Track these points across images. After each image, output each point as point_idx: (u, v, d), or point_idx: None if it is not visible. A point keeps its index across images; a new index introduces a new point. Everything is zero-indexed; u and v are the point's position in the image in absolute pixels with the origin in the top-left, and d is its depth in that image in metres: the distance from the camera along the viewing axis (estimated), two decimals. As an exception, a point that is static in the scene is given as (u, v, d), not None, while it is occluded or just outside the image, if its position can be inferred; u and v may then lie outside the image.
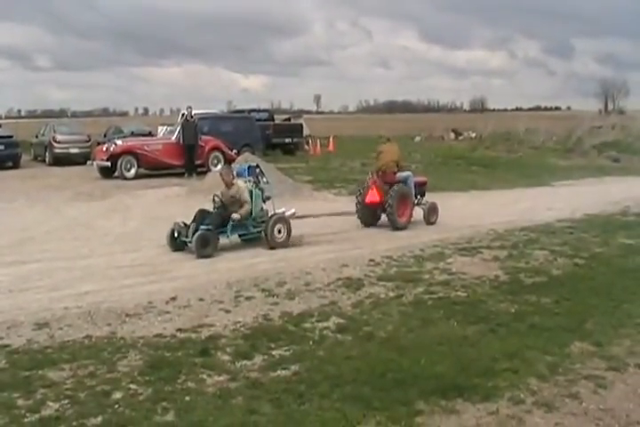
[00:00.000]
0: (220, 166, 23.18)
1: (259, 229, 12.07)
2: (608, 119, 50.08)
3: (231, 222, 11.57)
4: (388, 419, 5.21)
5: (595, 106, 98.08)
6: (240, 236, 12.15)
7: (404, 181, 14.13)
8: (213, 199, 11.96)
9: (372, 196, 13.71)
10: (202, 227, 11.14)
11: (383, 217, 13.97)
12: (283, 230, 11.99)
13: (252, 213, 12.00)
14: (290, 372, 6.18)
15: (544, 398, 5.68)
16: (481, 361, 6.39)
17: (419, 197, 14.79)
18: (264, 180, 12.72)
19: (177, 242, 11.41)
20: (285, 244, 11.95)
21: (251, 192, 12.06)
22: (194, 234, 11.07)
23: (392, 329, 7.44)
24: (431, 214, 14.61)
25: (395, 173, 14.09)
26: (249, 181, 12.38)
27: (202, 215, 11.48)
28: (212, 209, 11.81)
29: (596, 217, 15.41)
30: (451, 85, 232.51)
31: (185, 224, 11.40)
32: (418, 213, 14.43)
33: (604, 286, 9.20)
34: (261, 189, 12.42)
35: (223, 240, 11.58)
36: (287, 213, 12.63)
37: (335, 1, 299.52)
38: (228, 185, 11.98)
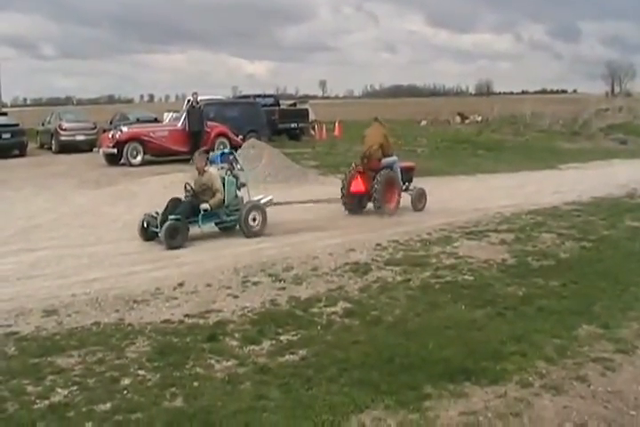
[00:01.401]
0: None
1: (233, 218, 11.79)
2: (615, 102, 49.87)
3: (202, 212, 11.31)
4: (396, 403, 5.22)
5: (601, 89, 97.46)
6: (216, 224, 11.84)
7: (390, 167, 13.81)
8: (185, 187, 11.63)
9: (357, 185, 13.43)
10: (171, 217, 10.84)
11: (370, 204, 13.72)
12: (258, 218, 11.72)
13: (224, 202, 11.67)
14: (298, 357, 6.20)
15: (552, 381, 5.68)
16: (489, 345, 6.39)
17: (407, 183, 14.50)
18: (238, 166, 12.43)
19: (148, 232, 11.14)
20: (261, 232, 11.70)
21: (223, 179, 11.73)
22: (163, 224, 10.79)
23: (399, 313, 7.44)
24: (419, 201, 14.33)
25: (379, 160, 13.69)
26: (222, 168, 12.11)
27: (173, 204, 11.20)
28: (184, 197, 11.53)
29: (602, 200, 15.38)
30: (456, 69, 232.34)
31: (157, 214, 11.11)
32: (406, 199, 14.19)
33: (612, 269, 9.17)
34: (236, 176, 12.10)
35: (194, 230, 11.29)
36: (263, 201, 12.36)
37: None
38: (201, 172, 11.67)
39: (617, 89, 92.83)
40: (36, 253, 10.46)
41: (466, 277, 8.91)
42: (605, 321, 7.10)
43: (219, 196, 11.47)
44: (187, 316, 7.38)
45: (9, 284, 8.79)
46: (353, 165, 14.18)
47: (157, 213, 11.11)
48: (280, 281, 8.70)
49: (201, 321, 7.23)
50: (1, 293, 8.31)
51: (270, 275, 8.96)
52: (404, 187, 14.29)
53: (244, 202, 12.03)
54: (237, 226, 11.73)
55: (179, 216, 10.89)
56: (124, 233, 11.94)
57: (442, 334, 6.72)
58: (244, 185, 12.26)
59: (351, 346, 6.40)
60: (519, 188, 18.20)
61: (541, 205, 14.31)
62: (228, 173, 12.01)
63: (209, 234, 11.59)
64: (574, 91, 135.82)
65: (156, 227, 10.93)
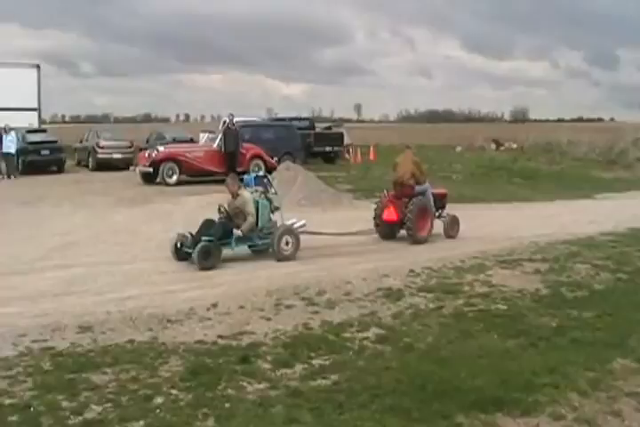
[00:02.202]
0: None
1: (266, 241, 11.77)
2: (653, 131, 49.43)
3: (235, 235, 11.36)
4: (427, 431, 5.21)
5: (639, 117, 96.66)
6: (249, 247, 11.87)
7: (422, 194, 13.79)
8: (219, 209, 11.71)
9: (389, 214, 13.44)
10: (204, 238, 10.91)
11: (402, 231, 13.70)
12: (290, 242, 11.69)
13: (258, 225, 11.70)
14: (330, 381, 6.21)
15: (585, 414, 5.64)
16: (521, 375, 6.35)
17: (439, 210, 14.41)
18: (272, 190, 12.43)
19: (180, 252, 11.18)
20: (293, 257, 11.67)
21: (257, 203, 11.76)
22: (196, 245, 10.85)
23: (432, 341, 7.43)
24: (451, 228, 14.24)
25: (412, 187, 13.65)
26: (256, 191, 12.15)
27: (206, 226, 11.30)
28: (217, 219, 11.59)
29: (639, 231, 15.22)
30: (492, 95, 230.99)
31: (191, 234, 11.18)
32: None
33: (648, 302, 9.09)
34: (269, 200, 12.10)
35: (227, 252, 11.32)
36: (296, 225, 12.30)
37: (377, 10, 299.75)
38: (234, 195, 11.72)
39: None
40: (72, 270, 10.58)
41: (499, 306, 8.88)
42: (641, 355, 7.04)
43: (250, 220, 11.50)
44: (220, 337, 7.42)
45: (45, 299, 8.89)
46: (385, 192, 14.18)
47: (190, 233, 11.20)
48: (313, 305, 8.72)
49: (234, 343, 7.27)
50: (37, 308, 8.41)
51: (303, 298, 8.98)
52: (436, 214, 14.24)
53: (278, 226, 12.02)
54: (270, 249, 11.75)
55: (212, 238, 10.94)
56: (159, 252, 12.02)
57: (474, 362, 6.70)
58: (277, 209, 12.24)
59: (383, 372, 6.40)
60: (554, 217, 18.09)
61: (576, 235, 14.17)
62: (262, 196, 12.05)
63: (243, 256, 11.64)
64: (611, 119, 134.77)
65: (189, 247, 10.98)
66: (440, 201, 14.45)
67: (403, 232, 13.74)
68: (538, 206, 20.75)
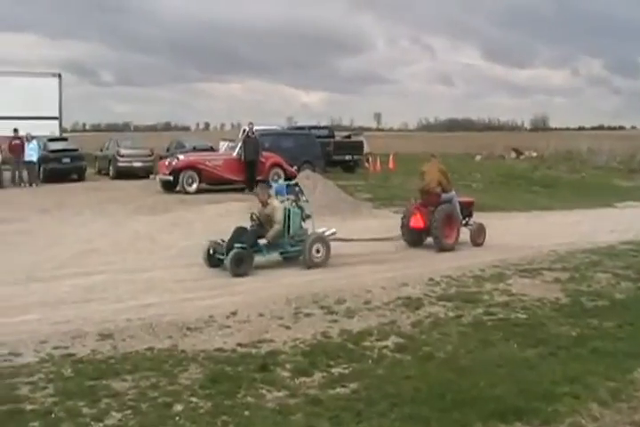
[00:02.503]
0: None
1: (297, 249, 11.94)
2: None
3: (261, 243, 11.53)
4: (446, 440, 5.20)
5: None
6: (280, 254, 12.06)
7: (449, 202, 13.93)
8: (251, 217, 11.93)
9: (416, 221, 13.59)
10: (236, 245, 11.10)
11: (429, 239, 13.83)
12: (321, 250, 11.86)
13: (290, 232, 11.90)
14: (349, 390, 6.22)
15: (606, 424, 5.62)
16: (541, 385, 6.33)
17: (466, 218, 14.58)
18: (303, 198, 12.58)
19: (213, 259, 11.39)
20: (323, 264, 11.81)
21: (288, 211, 11.94)
22: (229, 252, 11.05)
23: (451, 350, 7.42)
24: (478, 236, 14.36)
25: (438, 195, 13.82)
26: (287, 199, 12.33)
27: (238, 233, 11.48)
28: (249, 226, 11.78)
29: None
30: (512, 103, 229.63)
31: (223, 241, 11.39)
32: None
33: (669, 312, 9.02)
34: (301, 208, 12.31)
35: (259, 259, 11.52)
36: (327, 233, 12.47)
37: (397, 18, 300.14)
38: (264, 204, 11.93)
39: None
40: (92, 277, 10.65)
41: (519, 315, 8.85)
42: (662, 365, 6.99)
43: (276, 227, 11.64)
44: (239, 345, 7.45)
45: (66, 306, 8.97)
46: (412, 200, 14.42)
47: (222, 240, 11.36)
48: (332, 313, 8.74)
49: (253, 351, 7.29)
50: (58, 315, 8.48)
51: (322, 307, 9.00)
52: (463, 222, 14.37)
53: (309, 233, 12.20)
54: (301, 256, 11.91)
55: (244, 245, 11.15)
56: (178, 260, 12.09)
57: (494, 371, 6.69)
58: (309, 217, 12.45)
59: (402, 381, 6.40)
60: (574, 225, 18.01)
61: (597, 244, 14.10)
62: (294, 204, 12.24)
63: (262, 264, 11.68)
64: (632, 127, 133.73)
65: (222, 254, 11.17)
66: (467, 209, 14.63)
67: (430, 240, 13.81)
68: (558, 215, 20.64)
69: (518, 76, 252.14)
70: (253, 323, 8.29)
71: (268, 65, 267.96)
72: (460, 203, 14.26)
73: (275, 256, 11.94)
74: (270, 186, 12.90)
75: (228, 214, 18.16)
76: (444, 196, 13.85)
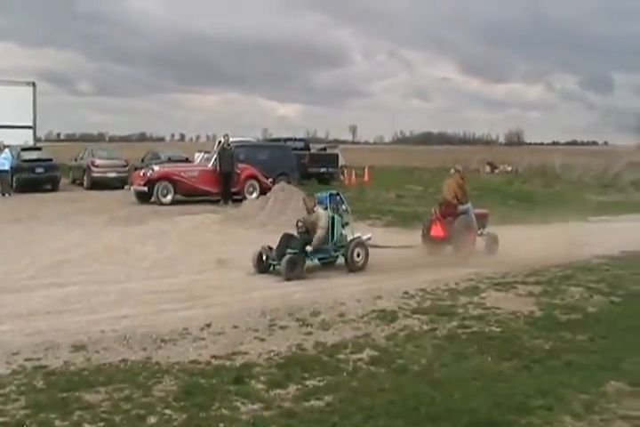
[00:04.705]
0: (255, 195, 23.45)
1: (338, 253, 12.69)
2: (646, 155, 49.74)
3: (309, 249, 12.10)
4: (421, 453, 5.20)
5: (632, 141, 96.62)
6: (319, 260, 12.67)
7: (466, 213, 14.76)
8: (297, 224, 12.60)
9: (437, 230, 14.49)
10: (289, 251, 11.74)
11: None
12: (361, 254, 12.66)
13: (333, 238, 12.63)
14: (323, 402, 6.19)
15: (579, 437, 5.63)
16: (515, 397, 6.34)
17: (481, 228, 15.33)
18: (343, 207, 13.40)
19: (264, 264, 12.01)
20: (363, 267, 12.64)
21: (333, 218, 12.67)
22: (280, 257, 11.64)
23: (426, 363, 7.42)
24: (492, 245, 15.13)
25: (456, 206, 14.69)
26: (329, 207, 12.94)
27: (287, 239, 12.14)
28: (296, 233, 12.41)
29: (633, 254, 15.28)
30: (487, 118, 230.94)
31: (270, 248, 12.01)
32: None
33: (641, 325, 9.11)
34: (341, 216, 13.13)
35: (307, 263, 12.20)
36: (364, 238, 13.23)
37: (374, 32, 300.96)
38: (309, 211, 12.62)
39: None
40: (66, 288, 10.58)
41: (493, 328, 8.89)
42: (634, 378, 7.00)
43: (320, 233, 12.26)
44: (213, 357, 7.41)
45: (39, 317, 8.89)
46: (432, 210, 15.18)
47: (270, 247, 12.07)
48: (307, 326, 8.72)
49: (227, 363, 7.25)
50: (31, 326, 8.40)
51: (297, 319, 8.99)
52: (479, 232, 15.15)
53: (348, 239, 12.90)
54: (337, 261, 12.87)
55: (296, 250, 11.80)
56: (153, 271, 12.05)
57: (468, 384, 6.69)
58: (347, 224, 13.35)
59: (377, 394, 6.39)
60: (548, 239, 18.08)
61: (570, 258, 14.22)
62: (335, 212, 13.04)
63: (239, 278, 11.67)
64: (605, 142, 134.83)
65: (274, 260, 11.87)
66: (481, 221, 15.42)
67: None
68: (532, 229, 20.72)
69: (494, 91, 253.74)
70: (228, 335, 8.26)
71: (244, 77, 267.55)
72: (475, 214, 15.08)
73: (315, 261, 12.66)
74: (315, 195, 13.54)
75: (203, 226, 18.19)
76: (460, 207, 14.73)
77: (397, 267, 12.94)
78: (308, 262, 12.28)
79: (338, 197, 13.43)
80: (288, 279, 11.44)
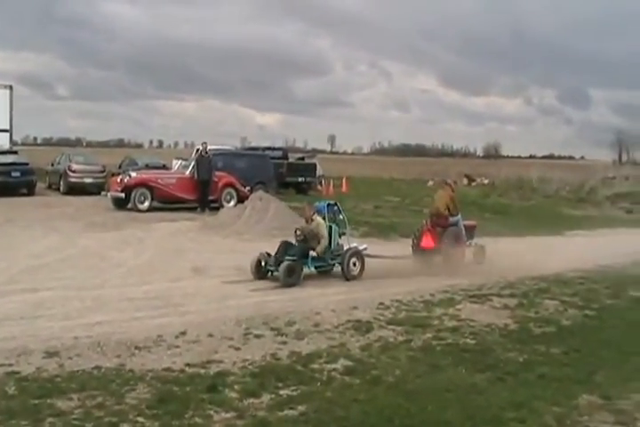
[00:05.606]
0: (232, 203, 23.44)
1: (335, 262, 12.95)
2: (622, 170, 50.34)
3: (311, 256, 12.45)
4: (394, 464, 5.20)
5: (608, 156, 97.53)
6: (316, 268, 12.86)
7: (455, 224, 14.98)
8: (295, 232, 12.75)
9: (427, 241, 14.62)
10: (287, 257, 12.00)
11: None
12: (357, 263, 12.92)
13: (330, 247, 12.86)
14: (297, 412, 6.18)
15: (551, 449, 5.65)
16: (488, 410, 6.37)
17: (469, 240, 15.57)
18: (340, 216, 13.66)
19: (262, 270, 12.23)
20: (359, 276, 12.87)
21: (330, 228, 12.95)
22: (279, 263, 11.89)
23: (400, 374, 7.43)
24: (479, 255, 15.42)
25: (446, 218, 14.86)
26: (327, 217, 13.13)
27: (285, 247, 12.40)
28: (294, 241, 12.59)
29: (607, 268, 15.42)
30: (465, 130, 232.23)
31: (269, 254, 12.23)
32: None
33: (615, 339, 9.19)
34: (338, 225, 13.36)
35: (304, 270, 12.39)
36: (360, 248, 13.42)
37: (355, 43, 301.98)
38: (308, 220, 12.95)
39: (624, 157, 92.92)
40: (40, 294, 10.48)
41: (467, 340, 8.91)
42: (606, 391, 7.06)
43: (324, 242, 12.63)
44: (188, 365, 7.37)
45: (12, 322, 8.79)
46: (423, 222, 15.43)
47: (268, 253, 12.28)
48: (282, 335, 8.70)
49: (202, 371, 7.22)
50: (4, 331, 8.31)
51: (272, 328, 8.97)
52: (467, 243, 15.38)
53: (344, 248, 13.17)
54: (333, 269, 13.18)
55: (294, 257, 12.05)
56: (128, 278, 11.98)
57: (442, 396, 6.71)
58: (344, 233, 13.60)
59: (351, 404, 6.38)
60: (524, 253, 18.18)
61: (545, 271, 14.31)
62: (332, 221, 13.27)
63: (215, 286, 11.64)
64: (581, 157, 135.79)
65: (272, 266, 12.12)
66: (469, 232, 15.69)
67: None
68: (508, 242, 20.82)
69: (473, 104, 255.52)
70: (203, 343, 8.22)
71: (224, 85, 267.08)
72: (464, 226, 15.34)
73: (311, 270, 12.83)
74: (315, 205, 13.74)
75: (180, 233, 18.13)
76: (450, 219, 14.92)
77: (380, 277, 13.10)
78: (305, 270, 12.42)
79: (335, 208, 13.69)
80: (286, 285, 11.64)
